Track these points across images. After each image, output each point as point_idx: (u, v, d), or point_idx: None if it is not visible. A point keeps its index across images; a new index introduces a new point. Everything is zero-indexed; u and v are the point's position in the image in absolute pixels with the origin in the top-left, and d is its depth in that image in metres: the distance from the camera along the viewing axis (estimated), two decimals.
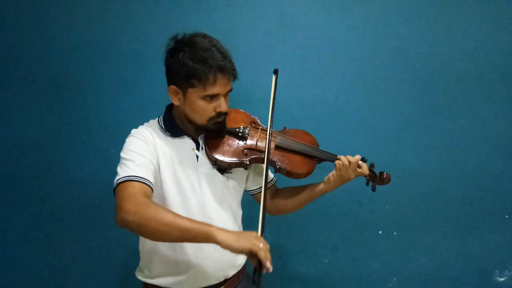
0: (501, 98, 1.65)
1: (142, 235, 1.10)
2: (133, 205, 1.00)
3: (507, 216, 1.71)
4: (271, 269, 0.95)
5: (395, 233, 1.73)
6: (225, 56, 1.12)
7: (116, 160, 1.13)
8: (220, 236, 0.97)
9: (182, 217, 1.00)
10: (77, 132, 1.70)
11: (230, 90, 1.18)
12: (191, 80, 1.11)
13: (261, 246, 0.96)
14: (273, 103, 1.19)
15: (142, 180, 1.07)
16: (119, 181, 1.06)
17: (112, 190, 1.09)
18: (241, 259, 1.29)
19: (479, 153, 1.68)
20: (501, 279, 1.76)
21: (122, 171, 1.08)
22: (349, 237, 1.73)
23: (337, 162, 1.22)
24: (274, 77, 1.21)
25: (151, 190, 1.09)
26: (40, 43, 1.66)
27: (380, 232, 1.73)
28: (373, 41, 1.64)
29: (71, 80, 1.68)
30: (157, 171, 1.15)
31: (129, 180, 1.05)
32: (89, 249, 1.75)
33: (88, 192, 1.71)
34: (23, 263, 1.77)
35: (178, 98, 1.16)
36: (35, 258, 1.76)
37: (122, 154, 1.13)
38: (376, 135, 1.67)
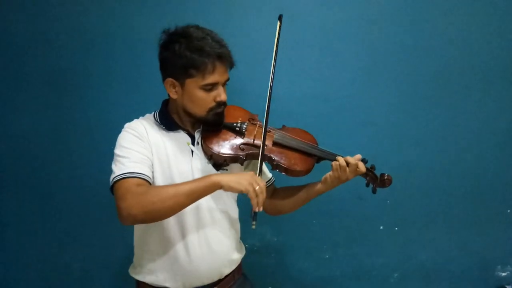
0: (502, 94, 1.64)
1: (154, 220, 1.10)
2: (131, 198, 1.02)
3: (508, 211, 1.71)
4: (260, 210, 1.06)
5: (396, 229, 1.73)
6: (221, 44, 1.12)
7: None
8: (223, 181, 1.04)
9: (182, 183, 1.06)
10: (77, 129, 1.69)
11: (228, 79, 1.17)
12: (189, 70, 1.10)
13: (257, 189, 1.05)
14: (276, 52, 1.17)
15: (138, 175, 1.07)
16: (114, 180, 1.07)
17: (109, 188, 1.10)
18: (236, 255, 1.28)
19: (480, 148, 1.67)
20: (503, 274, 1.76)
21: (117, 169, 1.08)
22: (349, 232, 1.73)
23: (333, 163, 1.19)
24: (278, 24, 1.18)
25: (148, 184, 1.10)
26: (39, 41, 1.66)
27: (381, 227, 1.73)
28: (373, 37, 1.62)
29: (72, 77, 1.67)
30: (152, 166, 1.14)
31: (124, 177, 1.06)
32: (90, 246, 1.75)
33: (89, 189, 1.70)
34: (24, 260, 1.77)
35: (175, 91, 1.15)
36: (36, 255, 1.76)
37: (116, 151, 1.13)
38: (376, 131, 1.66)
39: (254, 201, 1.05)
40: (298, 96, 1.65)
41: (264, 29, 1.61)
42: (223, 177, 1.05)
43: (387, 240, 1.73)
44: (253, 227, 1.07)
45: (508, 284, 1.75)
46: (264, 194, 1.06)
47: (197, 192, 1.04)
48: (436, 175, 1.69)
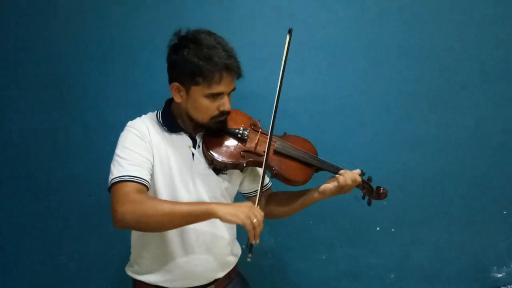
0: (500, 95, 1.65)
1: (144, 231, 1.11)
2: (128, 205, 1.02)
3: (505, 212, 1.71)
4: (257, 242, 1.05)
5: (392, 230, 1.73)
6: (230, 54, 1.11)
7: (111, 157, 1.12)
8: (220, 211, 1.02)
9: (180, 203, 1.06)
10: (74, 130, 1.69)
11: (234, 89, 1.17)
12: (195, 78, 1.09)
13: (254, 222, 1.02)
14: (284, 65, 1.16)
15: (136, 179, 1.07)
16: (113, 181, 1.06)
17: (107, 189, 1.09)
18: (232, 256, 1.29)
19: (477, 149, 1.67)
20: (499, 275, 1.76)
21: (116, 170, 1.08)
22: (346, 233, 1.73)
23: (341, 179, 1.18)
24: (288, 37, 1.17)
25: (146, 189, 1.09)
26: (38, 41, 1.65)
27: (377, 228, 1.73)
28: (372, 37, 1.62)
29: (68, 77, 1.67)
30: (152, 168, 1.14)
31: (123, 180, 1.06)
32: (86, 247, 1.74)
33: (85, 190, 1.70)
34: (20, 260, 1.77)
35: (180, 96, 1.15)
36: (32, 255, 1.76)
37: (117, 151, 1.12)
38: (374, 131, 1.66)
39: (251, 234, 1.04)
40: (296, 97, 1.64)
41: (265, 31, 1.62)
42: (221, 208, 1.03)
43: (383, 241, 1.73)
44: (249, 259, 1.05)
45: (504, 285, 1.75)
46: (262, 226, 1.05)
47: (192, 216, 1.04)
48: (433, 176, 1.69)
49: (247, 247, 1.06)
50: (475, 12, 1.61)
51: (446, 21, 1.61)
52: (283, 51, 1.17)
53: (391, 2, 1.61)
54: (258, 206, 1.09)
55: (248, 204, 1.07)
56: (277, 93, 1.15)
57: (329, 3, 1.61)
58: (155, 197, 1.12)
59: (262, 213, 1.06)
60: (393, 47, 1.63)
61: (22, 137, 1.70)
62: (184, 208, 1.03)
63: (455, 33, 1.62)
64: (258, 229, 1.04)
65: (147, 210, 1.01)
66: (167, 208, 1.02)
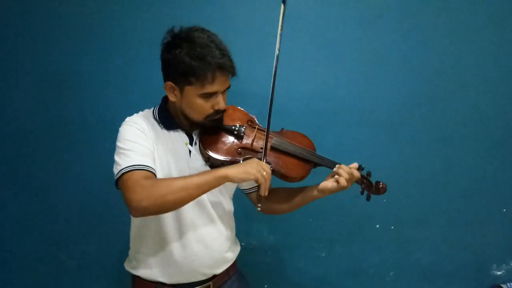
0: (499, 94, 1.64)
1: (164, 212, 1.11)
2: (141, 191, 1.02)
3: (504, 210, 1.71)
4: (267, 193, 1.13)
5: (392, 227, 1.73)
6: (224, 53, 1.09)
7: (111, 155, 1.13)
8: (232, 174, 1.07)
9: (191, 176, 1.08)
10: (73, 128, 1.69)
11: (229, 87, 1.16)
12: (188, 78, 1.08)
13: (265, 175, 1.09)
14: (279, 41, 1.11)
15: (144, 167, 1.07)
16: (121, 172, 1.06)
17: (114, 181, 1.09)
18: (231, 252, 1.29)
19: (476, 147, 1.67)
20: (499, 273, 1.76)
21: (123, 161, 1.07)
22: (346, 231, 1.73)
23: (341, 180, 1.16)
24: (282, 7, 1.09)
25: (154, 176, 1.10)
26: (36, 39, 1.65)
27: (377, 226, 1.73)
28: (372, 36, 1.62)
29: (68, 76, 1.67)
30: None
31: (131, 170, 1.06)
32: (86, 244, 1.75)
33: (84, 187, 1.70)
34: (19, 259, 1.77)
35: (174, 95, 1.14)
36: (31, 254, 1.76)
37: (119, 144, 1.11)
38: (374, 130, 1.66)
39: (263, 186, 1.10)
40: (295, 95, 1.64)
41: (262, 27, 1.61)
42: (231, 170, 1.07)
43: (383, 238, 1.73)
44: (258, 209, 1.18)
45: (504, 283, 1.76)
46: (270, 178, 1.12)
47: (206, 185, 1.06)
48: (433, 174, 1.69)
49: (257, 200, 1.17)
50: (476, 12, 1.60)
51: (447, 20, 1.61)
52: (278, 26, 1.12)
53: (392, 1, 1.60)
54: (264, 161, 1.15)
55: (254, 160, 1.13)
56: (273, 74, 1.13)
57: (329, 0, 1.61)
58: (164, 178, 1.12)
59: (269, 168, 1.12)
60: (393, 45, 1.62)
61: (22, 135, 1.70)
62: (196, 180, 1.05)
63: (455, 33, 1.61)
64: (268, 182, 1.11)
65: (161, 191, 1.02)
66: (180, 183, 1.04)
